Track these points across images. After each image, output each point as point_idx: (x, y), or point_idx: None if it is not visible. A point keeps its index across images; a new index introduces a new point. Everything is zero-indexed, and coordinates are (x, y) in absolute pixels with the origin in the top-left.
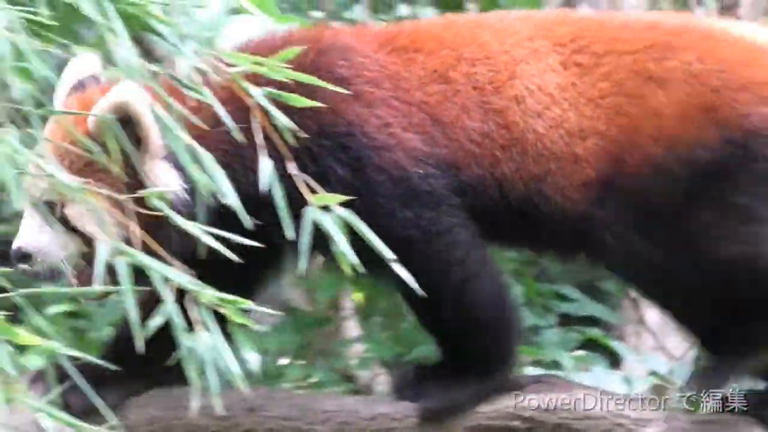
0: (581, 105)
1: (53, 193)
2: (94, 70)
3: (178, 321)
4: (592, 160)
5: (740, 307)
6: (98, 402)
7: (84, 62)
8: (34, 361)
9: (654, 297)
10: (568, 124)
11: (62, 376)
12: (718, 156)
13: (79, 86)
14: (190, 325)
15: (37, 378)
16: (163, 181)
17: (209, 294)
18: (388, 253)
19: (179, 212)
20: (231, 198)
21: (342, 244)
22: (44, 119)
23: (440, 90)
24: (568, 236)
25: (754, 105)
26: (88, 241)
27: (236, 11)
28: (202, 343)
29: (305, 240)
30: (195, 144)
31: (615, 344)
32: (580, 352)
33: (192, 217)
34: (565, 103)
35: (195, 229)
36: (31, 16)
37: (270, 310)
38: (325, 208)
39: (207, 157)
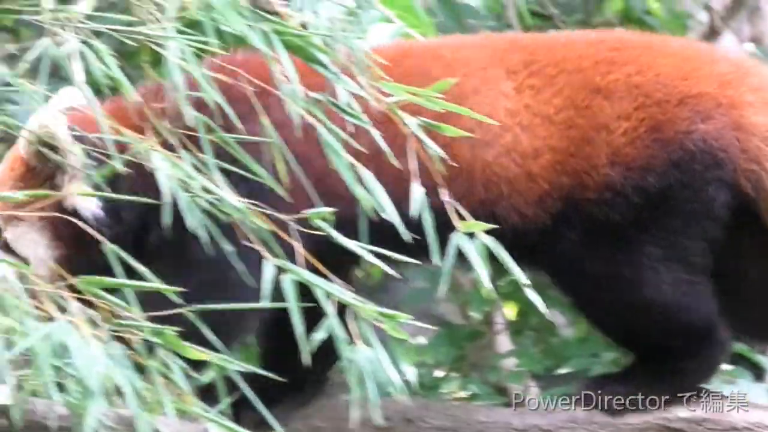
0: (535, 125)
1: None
2: (74, 103)
3: (340, 334)
4: (547, 175)
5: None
6: (267, 414)
7: (65, 95)
8: (204, 375)
9: (586, 316)
10: (521, 147)
11: (231, 389)
12: (665, 182)
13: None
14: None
15: (207, 390)
16: (82, 202)
17: (369, 309)
18: (523, 278)
19: (99, 231)
20: (390, 214)
21: (481, 270)
22: (215, 144)
23: (383, 128)
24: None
25: (693, 121)
26: (26, 263)
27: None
28: (362, 356)
29: (448, 264)
30: (356, 163)
31: (759, 358)
32: (726, 366)
33: (114, 236)
34: (517, 127)
35: (355, 246)
36: (202, 46)
37: (426, 325)
38: (470, 235)
39: (368, 176)
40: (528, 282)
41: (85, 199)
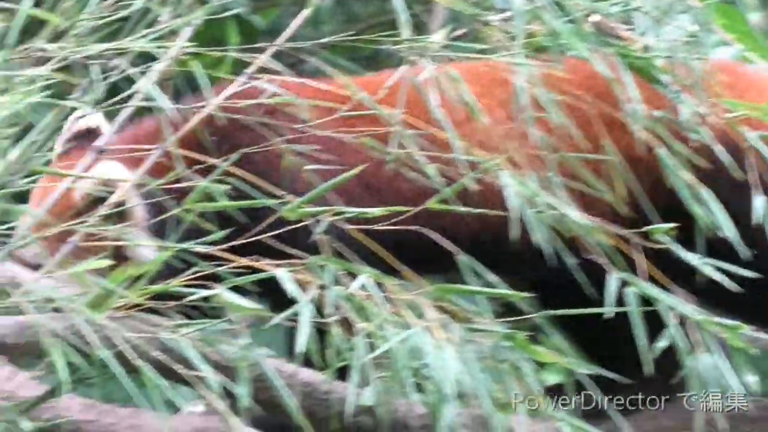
0: None
1: None
2: (93, 125)
3: (682, 344)
4: None
5: None
6: (616, 414)
7: (85, 118)
8: (552, 377)
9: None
10: None
11: (577, 389)
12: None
13: (72, 140)
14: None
15: (552, 391)
16: (142, 252)
17: (709, 320)
18: None
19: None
20: (729, 231)
21: None
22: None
23: (377, 155)
24: None
25: None
26: None
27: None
28: (703, 364)
29: None
30: (697, 182)
31: None
32: None
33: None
34: None
35: (694, 259)
36: (548, 70)
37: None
38: None
39: (708, 194)
40: None
41: (145, 250)
